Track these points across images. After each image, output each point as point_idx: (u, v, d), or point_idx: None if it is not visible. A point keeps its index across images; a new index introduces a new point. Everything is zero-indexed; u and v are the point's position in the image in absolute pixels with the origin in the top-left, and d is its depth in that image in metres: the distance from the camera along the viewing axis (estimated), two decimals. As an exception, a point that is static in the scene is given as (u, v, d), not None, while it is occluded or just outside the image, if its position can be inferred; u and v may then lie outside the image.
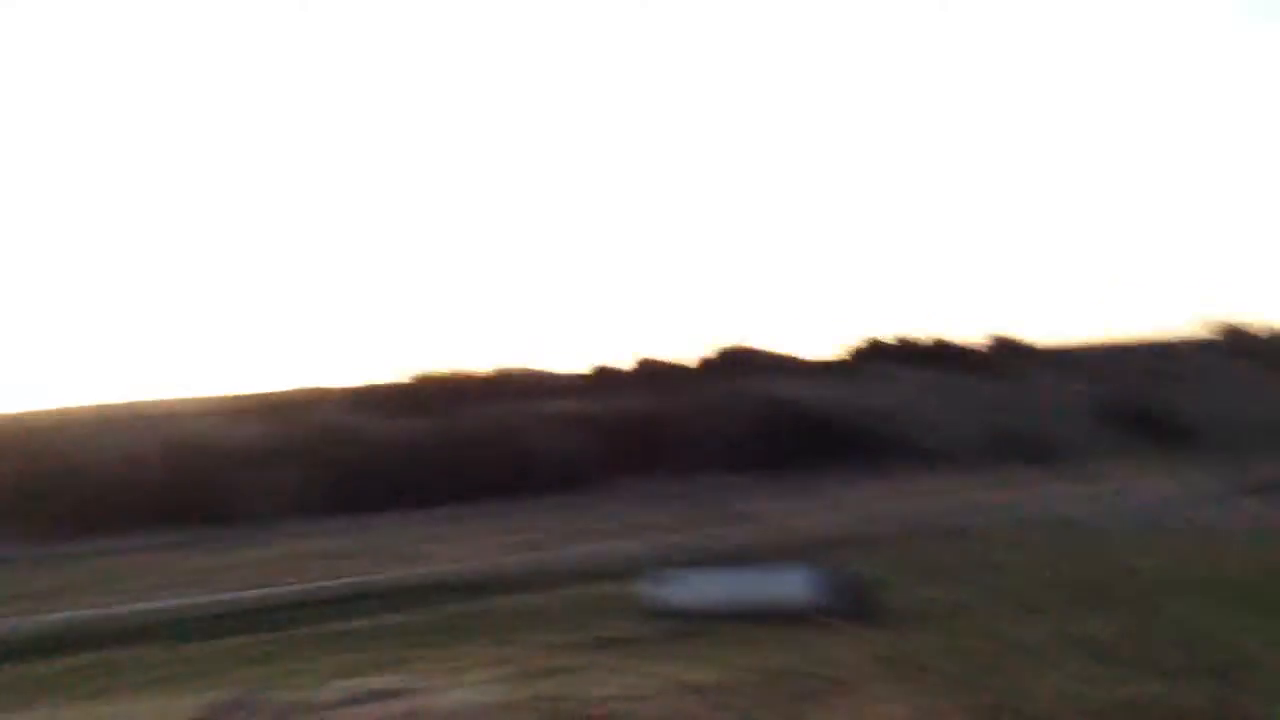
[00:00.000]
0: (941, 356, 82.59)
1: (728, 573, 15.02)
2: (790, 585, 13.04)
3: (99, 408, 69.66)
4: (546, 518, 40.16)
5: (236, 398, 75.52)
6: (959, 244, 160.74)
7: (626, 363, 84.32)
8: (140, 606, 22.75)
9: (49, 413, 62.73)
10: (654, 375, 78.46)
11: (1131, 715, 6.47)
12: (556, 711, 8.50)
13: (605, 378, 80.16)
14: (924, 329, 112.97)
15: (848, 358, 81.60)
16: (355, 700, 10.04)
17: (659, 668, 10.09)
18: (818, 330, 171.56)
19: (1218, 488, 29.09)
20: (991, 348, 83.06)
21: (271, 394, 74.34)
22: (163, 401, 74.73)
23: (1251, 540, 16.00)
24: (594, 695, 9.03)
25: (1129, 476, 36.53)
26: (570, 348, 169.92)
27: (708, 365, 79.46)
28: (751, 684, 8.84)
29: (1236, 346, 78.70)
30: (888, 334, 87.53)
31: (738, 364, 78.26)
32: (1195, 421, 60.79)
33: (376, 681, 10.85)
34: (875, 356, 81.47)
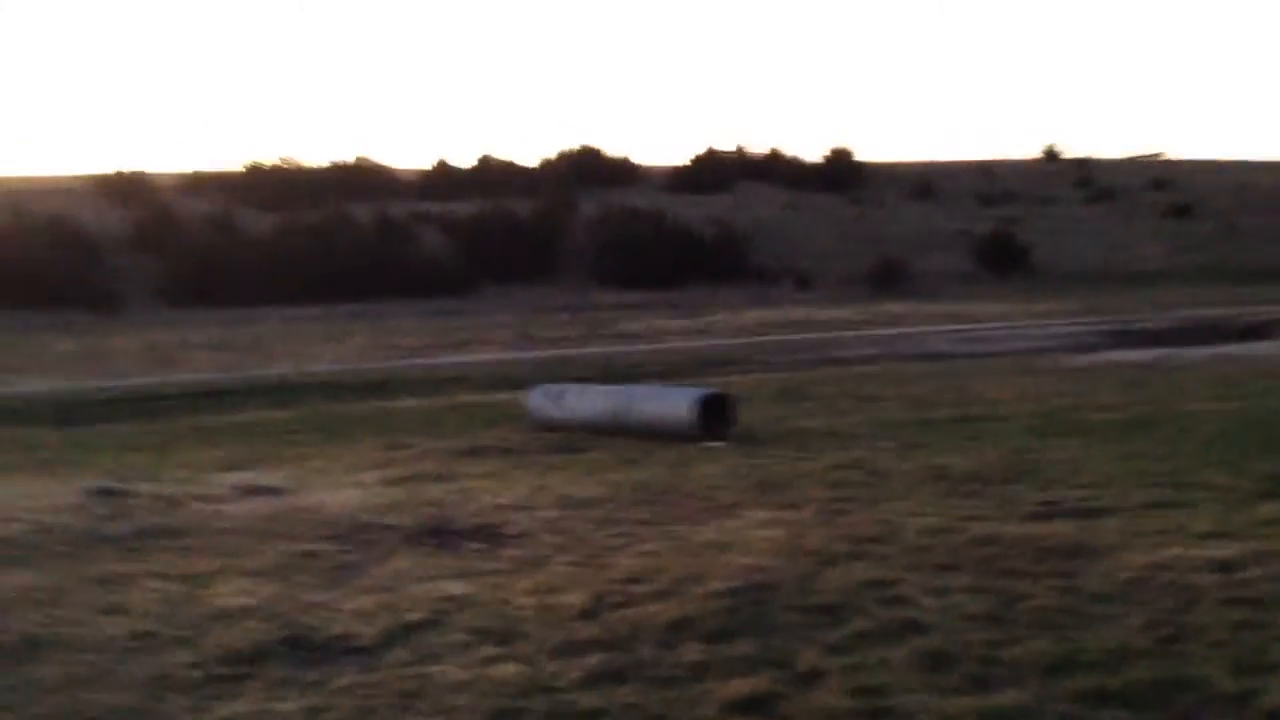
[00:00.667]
0: (780, 170, 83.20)
1: (609, 389, 15.34)
2: (670, 404, 13.38)
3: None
4: (424, 322, 40.12)
5: (76, 178, 72.58)
6: (793, 56, 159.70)
7: (467, 161, 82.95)
8: (20, 389, 22.30)
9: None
10: (495, 175, 77.35)
11: (996, 550, 6.99)
12: (441, 516, 8.79)
13: (446, 176, 78.83)
14: (760, 142, 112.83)
15: (690, 167, 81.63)
16: (243, 494, 10.20)
17: (541, 479, 10.44)
18: (653, 138, 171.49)
19: (1079, 329, 30.43)
20: (829, 162, 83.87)
21: (111, 175, 71.69)
22: (3, 179, 71.31)
23: (1114, 384, 16.90)
24: (479, 503, 9.33)
25: (996, 313, 37.96)
26: (404, 143, 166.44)
27: (552, 168, 78.50)
28: (629, 500, 9.23)
29: (1081, 181, 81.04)
30: (724, 146, 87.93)
31: (582, 170, 77.52)
32: (1047, 257, 62.99)
33: (264, 477, 11.02)
34: (714, 167, 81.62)
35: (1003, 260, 61.62)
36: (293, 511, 9.21)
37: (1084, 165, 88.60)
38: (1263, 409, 13.52)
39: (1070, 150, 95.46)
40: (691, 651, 5.32)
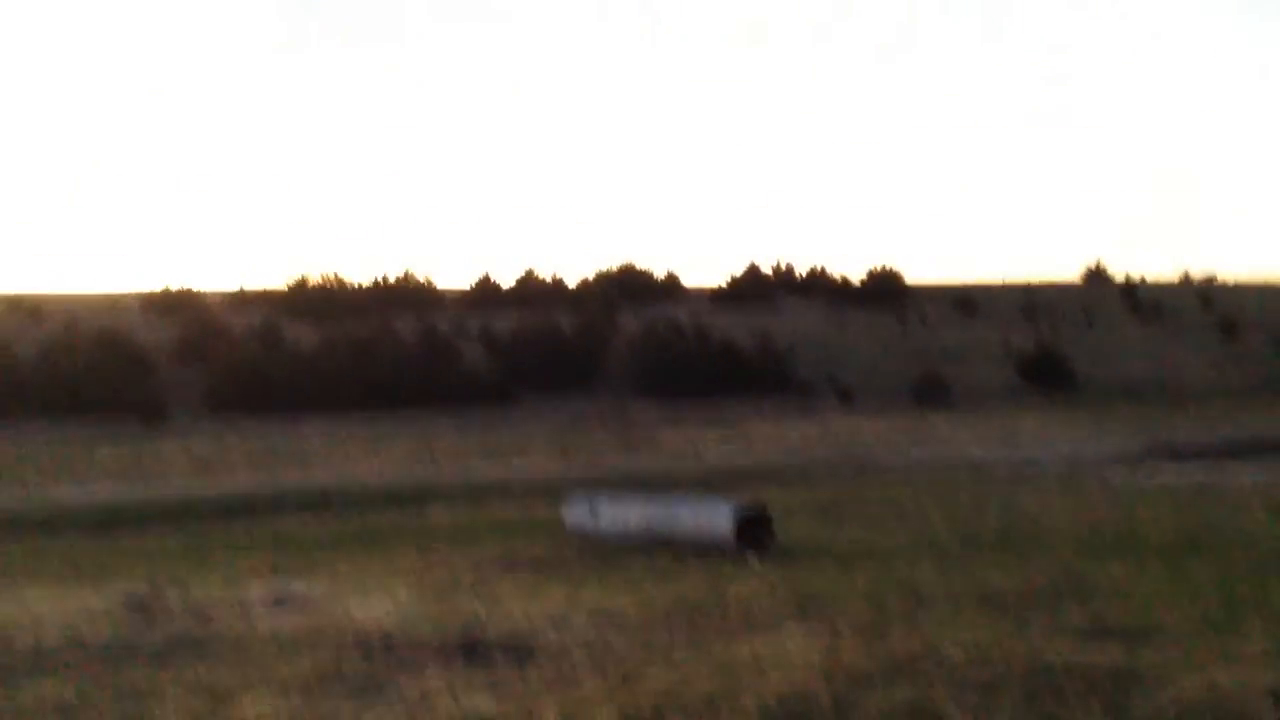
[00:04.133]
0: (822, 288, 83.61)
1: (645, 500, 15.19)
2: (707, 517, 13.21)
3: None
4: (464, 433, 40.24)
5: (126, 294, 74.65)
6: (834, 177, 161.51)
7: (510, 278, 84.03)
8: (61, 496, 22.49)
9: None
10: (538, 291, 78.22)
11: (1041, 672, 6.75)
12: (472, 628, 8.64)
13: (490, 291, 79.84)
14: (802, 260, 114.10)
15: (733, 284, 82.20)
16: (274, 605, 10.11)
17: (575, 592, 10.28)
18: (695, 256, 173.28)
19: (1126, 446, 29.95)
20: (873, 279, 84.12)
21: (159, 291, 73.75)
22: (57, 295, 73.43)
23: (1164, 503, 16.54)
24: (511, 617, 9.18)
25: (1037, 427, 37.50)
26: (449, 260, 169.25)
27: (592, 287, 79.31)
28: (664, 615, 9.04)
29: (1127, 299, 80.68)
30: (767, 263, 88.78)
31: (625, 287, 78.30)
32: (1093, 374, 62.42)
33: (296, 588, 10.93)
34: (757, 284, 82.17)
35: (1047, 376, 61.15)
36: (323, 624, 9.10)
37: (1130, 284, 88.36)
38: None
39: (1116, 271, 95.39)
40: (723, 775, 5.12)
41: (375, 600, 10.17)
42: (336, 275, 78.59)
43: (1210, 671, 6.65)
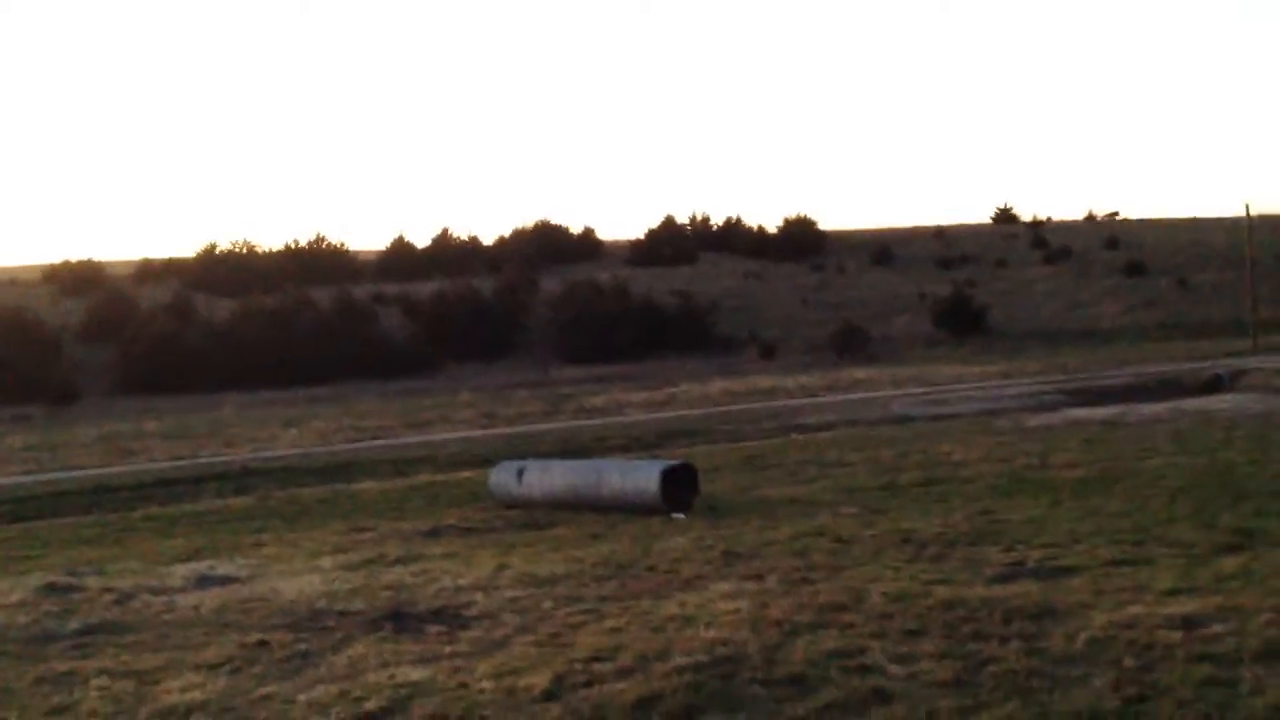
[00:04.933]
0: (740, 239, 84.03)
1: (571, 464, 15.23)
2: (632, 477, 13.28)
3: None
4: (387, 403, 39.85)
5: (22, 268, 72.35)
6: (746, 125, 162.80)
7: (425, 239, 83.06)
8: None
9: None
10: (454, 253, 77.50)
11: (962, 613, 6.92)
12: (401, 600, 8.62)
13: (405, 254, 78.87)
14: (717, 211, 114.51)
15: (650, 239, 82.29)
16: (196, 584, 9.97)
17: (504, 558, 10.29)
18: (611, 211, 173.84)
19: (1039, 388, 30.64)
20: (789, 230, 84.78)
21: (61, 264, 71.56)
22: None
23: (1076, 442, 16.96)
24: (440, 585, 9.17)
25: (953, 374, 38.20)
26: (361, 222, 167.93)
27: (512, 244, 78.77)
28: (593, 576, 9.10)
29: (1037, 244, 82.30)
30: (683, 215, 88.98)
31: (543, 246, 77.90)
32: (1006, 318, 63.68)
33: (219, 567, 10.79)
34: (674, 239, 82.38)
35: (961, 322, 62.22)
36: (247, 601, 9.00)
37: (1038, 226, 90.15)
38: (1222, 463, 13.60)
39: (1023, 212, 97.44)
40: (656, 730, 5.19)
41: (302, 575, 10.08)
42: (247, 242, 76.96)
43: (1122, 605, 6.88)
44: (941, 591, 7.52)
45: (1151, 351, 44.05)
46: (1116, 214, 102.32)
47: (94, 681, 6.69)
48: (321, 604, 8.64)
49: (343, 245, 79.48)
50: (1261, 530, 9.13)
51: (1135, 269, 74.73)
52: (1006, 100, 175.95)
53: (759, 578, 8.52)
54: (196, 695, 6.25)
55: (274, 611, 8.48)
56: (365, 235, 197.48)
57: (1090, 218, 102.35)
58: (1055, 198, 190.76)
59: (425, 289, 64.85)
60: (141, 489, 20.27)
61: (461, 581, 9.17)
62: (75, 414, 43.33)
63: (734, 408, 31.86)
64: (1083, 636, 6.24)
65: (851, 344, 56.53)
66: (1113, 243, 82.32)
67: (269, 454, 25.21)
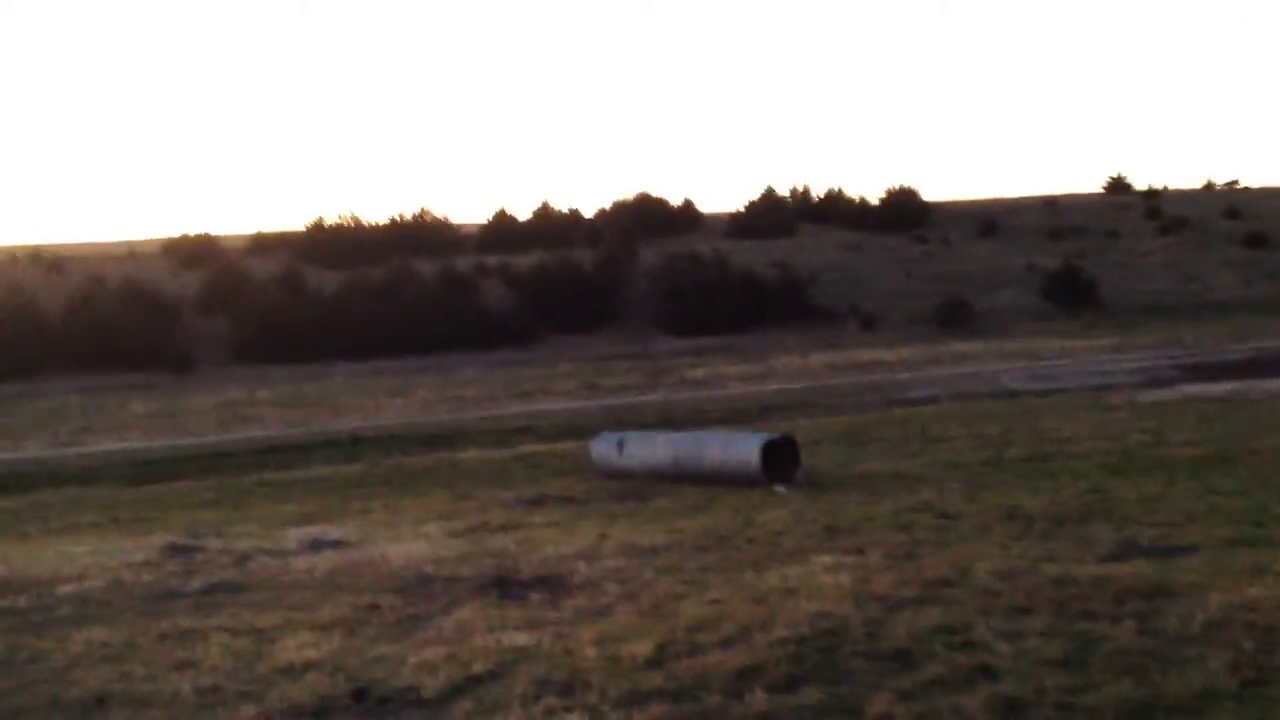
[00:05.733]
0: (841, 211, 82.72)
1: (672, 435, 15.28)
2: (734, 449, 13.28)
3: (10, 249, 68.44)
4: (488, 373, 40.39)
5: (142, 242, 74.76)
6: (849, 96, 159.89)
7: (526, 212, 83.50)
8: (98, 449, 22.78)
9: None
10: (555, 226, 77.71)
11: (1072, 591, 6.80)
12: (505, 567, 8.75)
13: (507, 227, 79.40)
14: (819, 183, 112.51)
15: (750, 211, 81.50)
16: (309, 548, 10.27)
17: (606, 528, 10.39)
18: (712, 184, 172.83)
19: (1153, 363, 29.79)
20: (891, 201, 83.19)
21: (178, 238, 73.90)
22: (75, 245, 73.57)
23: (1191, 419, 16.48)
24: (543, 553, 9.29)
25: (1062, 348, 37.32)
26: (465, 196, 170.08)
27: (612, 216, 78.70)
28: (694, 547, 9.13)
29: (1151, 214, 79.67)
30: (784, 187, 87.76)
31: (642, 218, 77.73)
32: (1118, 291, 61.88)
33: (331, 531, 11.09)
34: (774, 211, 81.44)
35: (1071, 295, 60.65)
36: (358, 565, 9.24)
37: (1153, 195, 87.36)
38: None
39: (1138, 181, 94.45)
40: (759, 700, 5.21)
41: (409, 541, 10.32)
42: (354, 215, 78.45)
43: (1241, 586, 6.69)
44: (1050, 569, 7.39)
45: (1272, 326, 42.46)
46: (1236, 182, 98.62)
47: (215, 638, 6.95)
48: (429, 569, 8.82)
49: (446, 218, 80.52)
50: (1390, 512, 8.78)
51: (1256, 240, 71.98)
52: (1120, 65, 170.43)
53: (861, 552, 8.47)
54: (312, 654, 6.45)
55: (383, 575, 8.69)
56: (468, 208, 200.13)
57: (1209, 186, 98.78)
58: (1171, 166, 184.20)
59: (526, 261, 65.37)
60: (256, 455, 20.92)
61: (564, 550, 9.29)
62: (192, 382, 44.77)
63: (834, 381, 31.61)
64: (1199, 618, 6.09)
65: (955, 317, 55.54)
66: (1232, 213, 79.40)
67: (376, 423, 25.78)
